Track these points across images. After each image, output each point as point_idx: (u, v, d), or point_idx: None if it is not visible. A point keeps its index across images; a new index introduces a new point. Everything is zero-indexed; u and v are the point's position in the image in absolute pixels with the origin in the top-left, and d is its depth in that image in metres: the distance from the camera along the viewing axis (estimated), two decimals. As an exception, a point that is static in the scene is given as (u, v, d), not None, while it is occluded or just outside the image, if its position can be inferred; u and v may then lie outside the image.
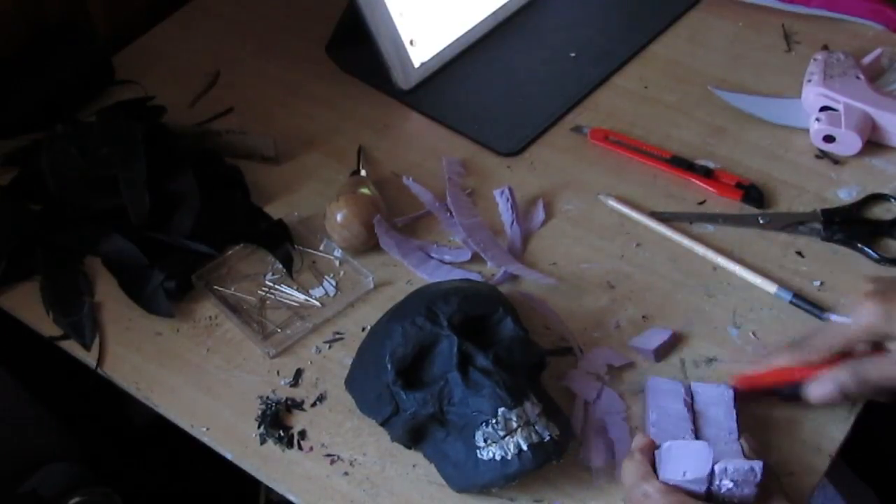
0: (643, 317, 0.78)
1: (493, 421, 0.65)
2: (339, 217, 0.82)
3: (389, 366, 0.68)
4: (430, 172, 0.91)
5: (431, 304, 0.70)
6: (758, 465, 0.59)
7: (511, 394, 0.65)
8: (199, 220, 0.84)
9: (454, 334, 0.68)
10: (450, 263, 0.82)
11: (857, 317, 0.65)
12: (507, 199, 0.86)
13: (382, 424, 0.70)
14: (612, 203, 0.84)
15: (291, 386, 0.76)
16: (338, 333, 0.79)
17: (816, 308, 0.77)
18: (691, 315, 0.78)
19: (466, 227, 0.84)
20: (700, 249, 0.82)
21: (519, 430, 0.64)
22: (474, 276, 0.81)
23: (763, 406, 0.71)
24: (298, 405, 0.75)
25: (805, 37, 1.01)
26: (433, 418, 0.67)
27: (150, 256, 0.82)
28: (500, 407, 0.64)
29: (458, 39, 1.01)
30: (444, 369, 0.67)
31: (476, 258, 0.83)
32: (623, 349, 0.76)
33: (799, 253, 0.81)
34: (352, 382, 0.74)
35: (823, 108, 0.88)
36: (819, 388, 0.66)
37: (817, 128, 0.87)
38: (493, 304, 0.71)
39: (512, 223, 0.84)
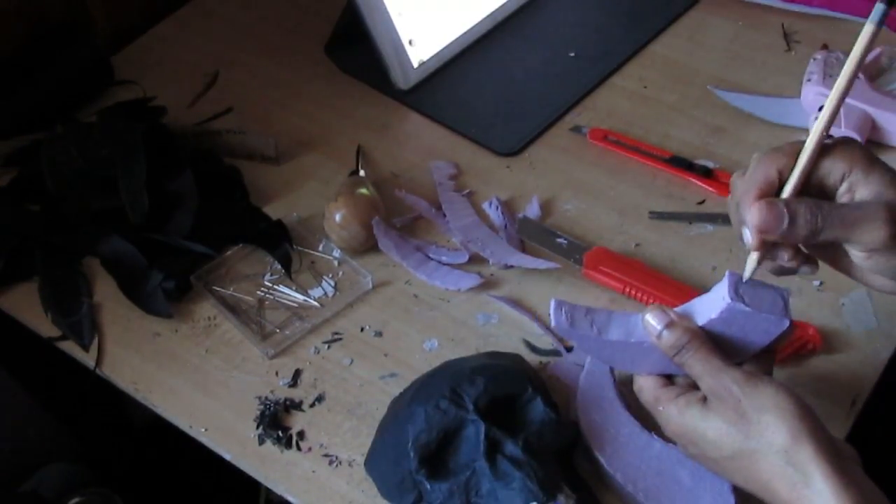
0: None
1: None
2: (337, 217, 0.82)
3: (412, 453, 0.65)
4: (429, 173, 0.91)
5: (456, 385, 0.66)
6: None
7: (543, 487, 0.62)
8: (197, 221, 0.84)
9: (481, 419, 0.64)
10: (448, 265, 0.82)
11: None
12: (497, 208, 0.86)
13: None
14: None
15: (290, 386, 0.76)
16: (336, 334, 0.79)
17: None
18: (690, 315, 0.78)
19: (462, 228, 0.84)
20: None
21: None
22: (473, 277, 0.80)
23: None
24: (297, 406, 0.75)
25: (805, 36, 1.01)
26: None
27: (149, 257, 0.82)
28: (532, 502, 0.61)
29: (457, 39, 1.01)
30: (471, 457, 0.65)
31: (475, 259, 0.83)
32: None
33: (798, 253, 0.81)
34: (372, 464, 0.70)
35: (823, 108, 0.88)
36: (768, 209, 0.56)
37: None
38: (521, 384, 0.67)
39: (505, 227, 0.84)
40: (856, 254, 0.57)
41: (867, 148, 0.57)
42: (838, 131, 0.86)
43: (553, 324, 0.63)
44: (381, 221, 0.82)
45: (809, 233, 0.55)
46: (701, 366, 0.58)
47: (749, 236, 0.57)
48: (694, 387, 0.61)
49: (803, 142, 0.57)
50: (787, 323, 0.59)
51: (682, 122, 0.94)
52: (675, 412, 0.60)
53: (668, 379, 0.63)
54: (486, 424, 0.65)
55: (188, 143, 0.92)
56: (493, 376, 0.68)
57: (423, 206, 0.87)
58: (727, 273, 0.61)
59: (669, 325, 0.60)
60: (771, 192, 0.57)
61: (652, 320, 0.60)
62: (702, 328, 0.60)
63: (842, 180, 0.57)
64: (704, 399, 0.59)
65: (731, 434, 0.56)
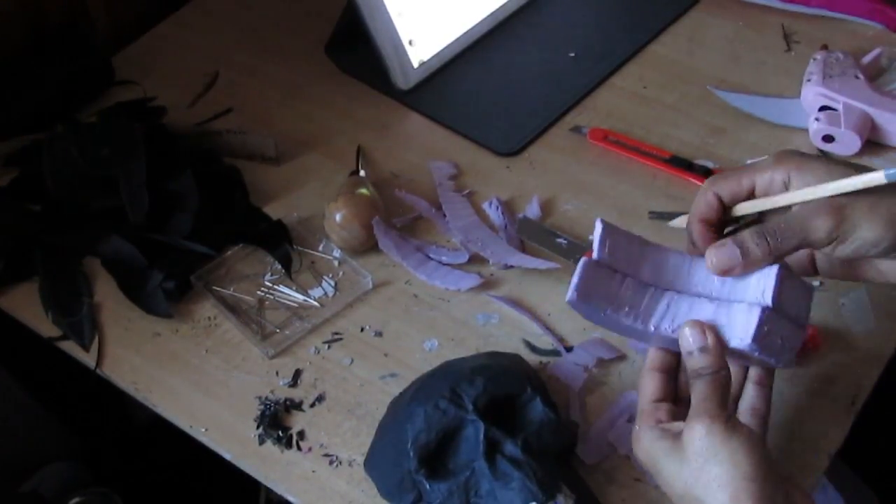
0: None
1: None
2: (337, 217, 0.82)
3: (412, 453, 0.65)
4: (429, 173, 0.91)
5: (455, 385, 0.66)
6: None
7: (542, 486, 0.62)
8: (197, 221, 0.84)
9: (480, 419, 0.65)
10: (448, 265, 0.82)
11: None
12: (497, 208, 0.86)
13: None
14: None
15: (290, 386, 0.76)
16: (337, 334, 0.79)
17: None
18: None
19: (462, 228, 0.84)
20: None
21: None
22: (473, 277, 0.80)
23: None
24: (297, 406, 0.75)
25: (804, 36, 1.01)
26: None
27: (149, 257, 0.82)
28: (531, 502, 0.62)
29: (457, 39, 1.01)
30: (470, 457, 0.65)
31: (475, 259, 0.83)
32: (623, 347, 0.76)
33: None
34: (371, 463, 0.70)
35: (823, 108, 0.88)
36: (719, 253, 0.59)
37: (816, 127, 0.87)
38: (521, 384, 0.68)
39: (505, 227, 0.84)
40: (824, 249, 0.58)
41: (797, 151, 0.60)
42: (838, 132, 0.86)
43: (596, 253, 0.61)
44: (381, 221, 0.82)
45: (768, 254, 0.58)
46: (700, 398, 0.58)
47: (710, 263, 0.60)
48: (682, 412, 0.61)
49: (741, 168, 0.61)
50: (805, 332, 0.59)
51: (681, 123, 0.94)
52: (647, 438, 0.59)
53: (669, 386, 0.63)
54: (486, 424, 0.65)
55: (188, 143, 0.92)
56: (492, 376, 0.68)
57: (423, 206, 0.87)
58: (775, 273, 0.59)
59: (704, 349, 0.59)
60: (714, 216, 0.61)
61: (689, 336, 0.59)
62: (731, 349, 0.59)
63: (786, 188, 0.59)
64: (677, 437, 0.58)
65: (683, 477, 0.56)
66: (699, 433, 0.56)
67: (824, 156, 0.59)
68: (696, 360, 0.59)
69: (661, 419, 0.60)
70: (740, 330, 0.58)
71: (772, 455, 0.58)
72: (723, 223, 0.62)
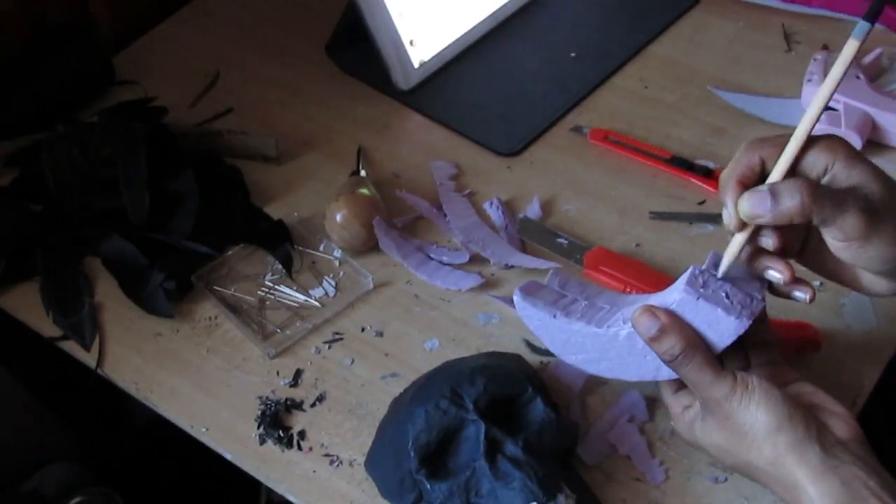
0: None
1: None
2: (338, 217, 0.82)
3: (413, 453, 0.65)
4: (429, 173, 0.91)
5: (456, 385, 0.66)
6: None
7: (543, 486, 0.62)
8: (198, 221, 0.84)
9: (481, 419, 0.65)
10: (448, 265, 0.82)
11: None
12: (498, 208, 0.86)
13: None
14: None
15: (291, 386, 0.76)
16: (337, 334, 0.79)
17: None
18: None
19: (463, 228, 0.84)
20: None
21: None
22: (474, 277, 0.80)
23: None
24: (298, 405, 0.75)
25: (805, 37, 1.01)
26: None
27: (150, 257, 0.82)
28: (532, 502, 0.61)
29: (457, 39, 1.01)
30: (471, 457, 0.65)
31: (475, 259, 0.83)
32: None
33: (798, 253, 0.81)
34: (372, 463, 0.70)
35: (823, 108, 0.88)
36: (752, 197, 0.57)
37: (817, 128, 0.86)
38: (521, 384, 0.68)
39: (506, 227, 0.85)
40: (833, 243, 0.57)
41: (850, 144, 0.59)
42: (839, 131, 0.86)
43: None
44: (382, 221, 0.82)
45: (798, 209, 0.55)
46: (694, 376, 0.59)
47: (728, 216, 0.58)
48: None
49: (789, 134, 0.58)
50: (744, 326, 0.58)
51: (682, 123, 0.94)
52: (684, 426, 0.62)
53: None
54: (487, 424, 0.65)
55: (189, 143, 0.92)
56: (493, 376, 0.68)
57: (423, 207, 0.87)
58: (710, 254, 0.61)
59: (663, 328, 0.59)
60: (753, 179, 0.59)
61: (643, 323, 0.59)
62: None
63: (824, 173, 0.58)
64: (697, 417, 0.61)
65: (727, 450, 0.59)
66: (717, 401, 0.58)
67: (868, 160, 0.58)
68: (662, 344, 0.59)
69: (684, 406, 0.63)
70: (675, 291, 0.60)
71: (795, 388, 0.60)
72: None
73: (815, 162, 0.58)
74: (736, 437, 0.58)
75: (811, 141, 0.58)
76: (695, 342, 0.59)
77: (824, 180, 0.58)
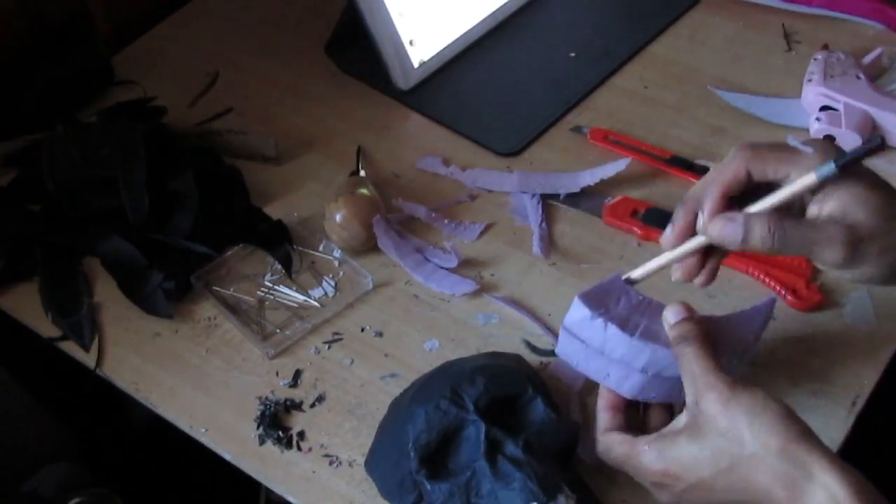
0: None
1: None
2: (338, 217, 0.82)
3: (413, 453, 0.65)
4: (429, 173, 0.91)
5: (456, 385, 0.66)
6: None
7: (543, 487, 0.62)
8: (198, 221, 0.84)
9: (481, 419, 0.65)
10: (444, 269, 0.82)
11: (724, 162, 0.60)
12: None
13: None
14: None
15: (290, 387, 0.76)
16: (337, 334, 0.79)
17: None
18: (691, 315, 0.78)
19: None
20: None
21: None
22: (469, 283, 0.80)
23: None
24: (297, 406, 0.75)
25: (805, 36, 1.01)
26: None
27: (150, 257, 0.82)
28: (532, 502, 0.61)
29: (457, 39, 1.01)
30: (471, 458, 0.65)
31: (471, 263, 0.83)
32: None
33: (799, 253, 0.81)
34: (372, 464, 0.70)
35: (823, 108, 0.88)
36: (725, 226, 0.58)
37: (817, 128, 0.87)
38: (521, 384, 0.68)
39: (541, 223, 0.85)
40: (820, 266, 0.59)
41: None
42: (839, 132, 0.86)
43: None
44: (381, 221, 0.82)
45: (765, 249, 0.57)
46: (696, 363, 0.58)
47: (700, 223, 0.60)
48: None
49: (781, 143, 0.58)
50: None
51: (682, 123, 0.93)
52: (655, 455, 0.59)
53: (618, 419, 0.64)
54: (487, 424, 0.65)
55: (188, 143, 0.92)
56: (493, 376, 0.68)
57: (422, 213, 0.87)
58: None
59: (686, 318, 0.61)
60: (737, 189, 0.59)
61: (671, 312, 0.62)
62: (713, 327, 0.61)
63: (814, 192, 0.58)
64: (685, 426, 0.58)
65: (726, 445, 0.55)
66: (718, 388, 0.56)
67: (862, 175, 0.58)
68: (677, 329, 0.60)
69: (656, 437, 0.60)
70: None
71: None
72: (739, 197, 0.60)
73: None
74: (736, 429, 0.55)
75: (804, 158, 0.58)
76: (706, 333, 0.60)
77: (813, 200, 0.58)
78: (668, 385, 0.62)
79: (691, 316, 0.61)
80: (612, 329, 0.62)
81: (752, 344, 0.64)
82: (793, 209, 0.60)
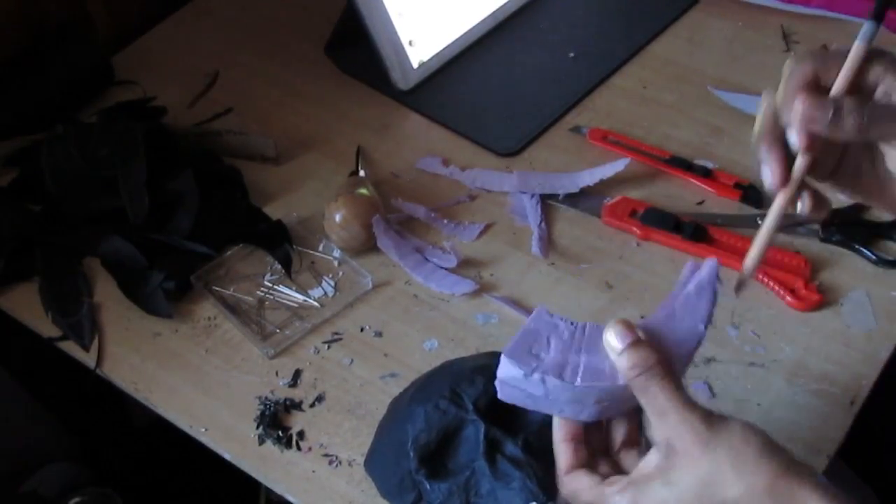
0: (642, 317, 0.78)
1: None
2: (337, 217, 0.82)
3: (412, 453, 0.65)
4: (428, 174, 0.91)
5: (456, 385, 0.66)
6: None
7: (543, 487, 0.61)
8: (198, 221, 0.84)
9: (480, 419, 0.64)
10: (444, 269, 0.82)
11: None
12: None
13: None
14: None
15: (290, 386, 0.76)
16: (336, 334, 0.79)
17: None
18: (690, 315, 0.78)
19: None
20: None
21: None
22: (468, 283, 0.80)
23: (762, 406, 0.71)
24: (297, 406, 0.75)
25: (804, 37, 1.01)
26: None
27: (150, 257, 0.82)
28: (532, 502, 0.61)
29: (457, 40, 1.01)
30: (471, 457, 0.64)
31: (470, 263, 0.83)
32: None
33: (797, 254, 0.81)
34: (372, 463, 0.70)
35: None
36: (813, 104, 0.53)
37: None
38: None
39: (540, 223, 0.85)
40: (893, 157, 0.55)
41: None
42: (838, 131, 0.86)
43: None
44: (381, 221, 0.82)
45: (855, 128, 0.53)
46: (663, 398, 0.52)
47: (795, 137, 0.54)
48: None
49: (839, 49, 0.55)
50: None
51: (681, 123, 0.94)
52: (628, 500, 0.53)
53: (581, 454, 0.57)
54: (486, 424, 0.64)
55: (188, 143, 0.92)
56: (492, 376, 0.67)
57: (421, 213, 0.87)
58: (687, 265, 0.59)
59: (635, 343, 0.54)
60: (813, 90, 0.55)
61: (615, 337, 0.54)
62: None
63: (877, 85, 0.54)
64: (658, 469, 0.52)
65: (708, 491, 0.51)
66: (695, 427, 0.51)
67: None
68: (630, 357, 0.53)
69: (628, 481, 0.54)
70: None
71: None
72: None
73: (868, 75, 0.54)
74: (719, 471, 0.50)
75: (869, 56, 0.54)
76: (667, 359, 0.54)
77: (878, 93, 0.54)
78: (628, 403, 0.56)
79: (638, 338, 0.54)
80: (551, 381, 0.55)
81: (704, 331, 0.57)
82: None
